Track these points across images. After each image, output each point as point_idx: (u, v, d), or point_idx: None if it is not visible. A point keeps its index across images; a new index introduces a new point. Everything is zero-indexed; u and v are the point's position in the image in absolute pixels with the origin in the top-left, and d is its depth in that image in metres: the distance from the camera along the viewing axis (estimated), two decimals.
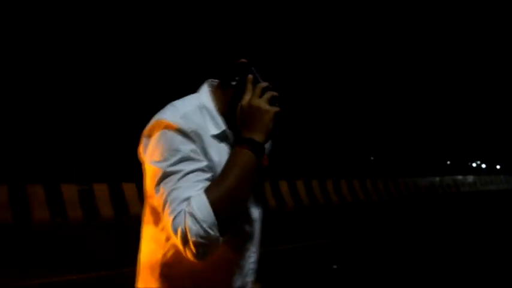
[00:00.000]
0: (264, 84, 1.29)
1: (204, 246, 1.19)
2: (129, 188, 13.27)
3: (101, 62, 19.97)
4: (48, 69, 18.82)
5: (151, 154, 1.27)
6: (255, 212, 1.40)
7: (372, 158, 30.65)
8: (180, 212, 1.20)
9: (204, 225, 1.18)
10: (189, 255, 1.21)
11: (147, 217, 1.38)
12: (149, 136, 1.28)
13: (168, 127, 1.25)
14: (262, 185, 1.45)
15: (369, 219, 13.80)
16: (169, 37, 21.41)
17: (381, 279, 6.33)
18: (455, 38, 42.08)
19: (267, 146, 1.43)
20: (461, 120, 44.02)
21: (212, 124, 1.31)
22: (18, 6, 18.56)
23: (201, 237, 1.18)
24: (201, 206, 1.19)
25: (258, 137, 1.26)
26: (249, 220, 1.38)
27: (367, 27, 30.68)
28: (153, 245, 1.35)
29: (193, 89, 1.42)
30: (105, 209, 12.59)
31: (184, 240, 1.19)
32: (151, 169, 1.27)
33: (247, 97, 1.27)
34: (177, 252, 1.27)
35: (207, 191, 1.21)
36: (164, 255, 1.32)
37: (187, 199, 1.21)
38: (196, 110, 1.30)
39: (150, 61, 20.99)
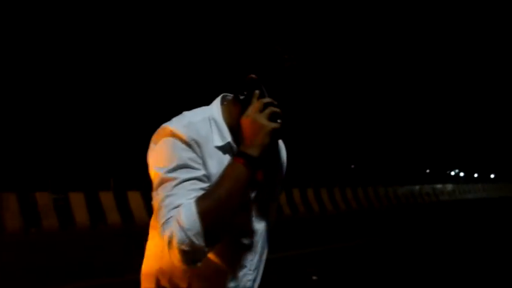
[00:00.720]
0: (266, 99, 1.31)
1: (188, 254, 1.22)
2: (106, 197, 13.02)
3: (82, 72, 19.71)
4: (24, 76, 18.49)
5: (154, 159, 1.31)
6: (258, 226, 1.41)
7: (353, 166, 30.80)
8: (169, 219, 1.24)
9: (189, 234, 1.21)
10: (175, 261, 1.24)
11: (152, 222, 1.41)
12: (155, 142, 1.32)
13: (171, 134, 1.30)
14: (269, 199, 1.45)
15: (349, 227, 13.78)
16: (183, 50, 21.40)
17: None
18: (434, 49, 42.74)
19: (283, 159, 1.53)
20: (440, 129, 44.67)
21: (218, 135, 1.34)
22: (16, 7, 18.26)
23: (186, 245, 1.21)
24: (188, 215, 1.22)
25: (252, 151, 1.28)
26: (249, 233, 1.39)
27: (350, 40, 30.95)
28: (153, 250, 1.40)
29: (207, 103, 1.47)
30: (81, 218, 12.32)
31: (170, 246, 1.22)
32: (152, 174, 1.32)
33: (248, 111, 1.30)
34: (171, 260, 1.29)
35: (198, 200, 1.24)
36: (161, 261, 1.35)
37: (179, 206, 1.24)
38: (204, 121, 1.34)
39: (151, 70, 20.86)
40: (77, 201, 12.51)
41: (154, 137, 1.33)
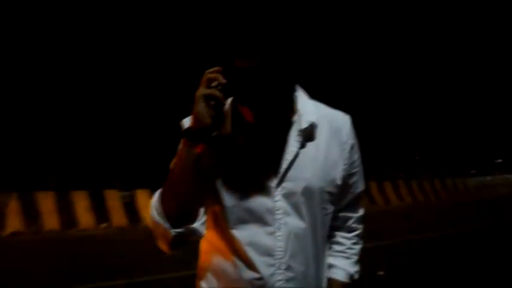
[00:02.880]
0: (208, 70, 1.25)
1: (154, 231, 1.31)
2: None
3: (96, 70, 19.96)
4: (47, 78, 18.86)
5: None
6: (291, 221, 1.30)
7: (417, 157, 29.81)
8: None
9: (153, 212, 1.29)
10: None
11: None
12: None
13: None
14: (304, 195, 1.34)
15: (416, 221, 13.34)
16: (173, 48, 21.41)
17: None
18: (489, 38, 40.46)
19: (342, 136, 1.42)
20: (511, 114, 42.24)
21: None
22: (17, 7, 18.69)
23: (151, 222, 1.30)
24: (156, 195, 1.31)
25: (190, 123, 1.26)
26: (273, 230, 1.30)
27: (407, 32, 29.91)
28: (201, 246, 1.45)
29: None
30: (147, 215, 12.68)
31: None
32: None
33: None
34: (209, 256, 1.35)
35: None
36: (201, 257, 1.42)
37: None
38: None
39: (147, 67, 20.98)
40: (143, 198, 12.91)
41: None
